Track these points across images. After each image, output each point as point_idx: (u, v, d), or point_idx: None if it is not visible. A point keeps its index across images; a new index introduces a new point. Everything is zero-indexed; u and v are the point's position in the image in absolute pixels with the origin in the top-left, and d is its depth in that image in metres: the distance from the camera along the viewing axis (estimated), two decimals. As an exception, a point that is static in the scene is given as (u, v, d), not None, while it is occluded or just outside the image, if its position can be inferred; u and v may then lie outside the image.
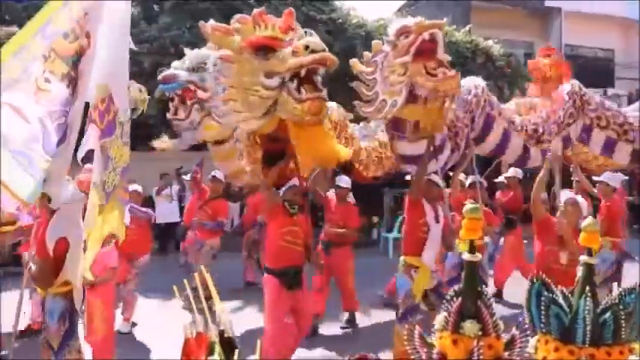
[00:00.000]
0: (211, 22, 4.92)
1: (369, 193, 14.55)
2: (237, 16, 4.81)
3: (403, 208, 10.44)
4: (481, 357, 1.93)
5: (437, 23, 5.00)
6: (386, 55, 5.19)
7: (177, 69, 5.99)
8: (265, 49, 4.58)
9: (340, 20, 13.41)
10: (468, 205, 2.11)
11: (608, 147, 6.10)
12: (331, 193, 7.47)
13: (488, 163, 8.80)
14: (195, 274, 2.32)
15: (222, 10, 13.77)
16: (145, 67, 11.38)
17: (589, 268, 2.19)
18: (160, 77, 5.84)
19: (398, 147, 6.00)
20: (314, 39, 4.54)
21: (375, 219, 14.55)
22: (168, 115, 6.08)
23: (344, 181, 7.21)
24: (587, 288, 2.09)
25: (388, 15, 15.81)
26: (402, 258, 5.64)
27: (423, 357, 2.05)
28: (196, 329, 1.90)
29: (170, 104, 6.11)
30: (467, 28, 15.45)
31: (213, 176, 7.87)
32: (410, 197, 5.79)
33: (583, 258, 2.21)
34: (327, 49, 4.55)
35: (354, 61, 5.43)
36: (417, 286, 5.34)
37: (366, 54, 5.43)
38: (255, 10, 4.74)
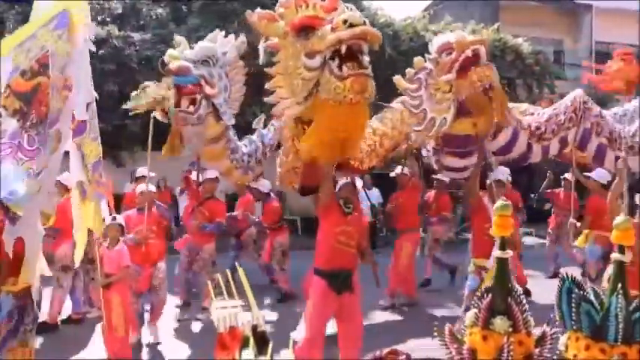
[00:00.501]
0: (257, 10, 4.76)
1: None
2: (281, 0, 4.66)
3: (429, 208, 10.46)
4: (511, 353, 1.94)
5: (479, 40, 4.99)
6: (429, 72, 5.18)
7: (174, 57, 5.70)
8: (307, 30, 4.40)
9: (367, 20, 13.37)
10: (499, 202, 2.12)
11: (600, 153, 6.32)
12: None
13: None
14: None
15: (250, 10, 13.88)
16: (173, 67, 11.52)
17: (620, 266, 2.18)
18: (173, 68, 5.54)
19: (446, 161, 6.08)
20: (354, 13, 4.25)
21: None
22: (174, 109, 5.66)
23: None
24: (619, 285, 2.08)
25: (415, 14, 15.75)
26: (472, 260, 5.75)
27: (453, 353, 2.06)
28: (229, 324, 1.94)
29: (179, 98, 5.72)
30: (495, 26, 15.33)
31: (208, 177, 7.39)
32: (472, 203, 5.87)
33: (614, 255, 2.20)
34: (367, 22, 4.27)
35: (398, 79, 5.37)
36: (484, 284, 5.35)
37: (409, 71, 5.40)
38: None
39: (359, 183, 7.07)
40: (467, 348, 2.04)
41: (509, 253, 2.08)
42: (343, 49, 4.21)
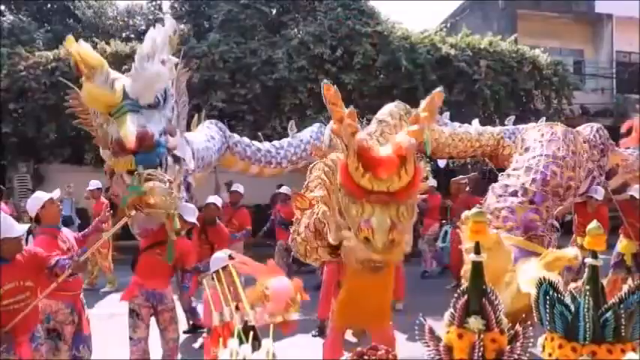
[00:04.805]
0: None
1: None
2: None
3: (448, 219, 10.57)
4: (482, 350, 2.08)
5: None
6: None
7: (114, 95, 4.60)
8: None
9: (385, 33, 13.54)
10: (474, 209, 2.27)
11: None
12: None
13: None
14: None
15: (268, 26, 14.18)
16: (194, 82, 11.82)
17: (593, 270, 2.30)
18: (131, 144, 4.47)
19: None
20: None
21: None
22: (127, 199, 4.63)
23: None
24: (587, 287, 2.21)
25: (433, 26, 15.87)
26: None
27: (431, 348, 2.21)
28: (225, 319, 2.13)
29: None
30: (512, 37, 15.39)
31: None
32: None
33: (588, 260, 2.33)
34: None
35: None
36: None
37: None
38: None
39: None
40: (443, 345, 2.19)
41: (483, 257, 2.22)
42: None
